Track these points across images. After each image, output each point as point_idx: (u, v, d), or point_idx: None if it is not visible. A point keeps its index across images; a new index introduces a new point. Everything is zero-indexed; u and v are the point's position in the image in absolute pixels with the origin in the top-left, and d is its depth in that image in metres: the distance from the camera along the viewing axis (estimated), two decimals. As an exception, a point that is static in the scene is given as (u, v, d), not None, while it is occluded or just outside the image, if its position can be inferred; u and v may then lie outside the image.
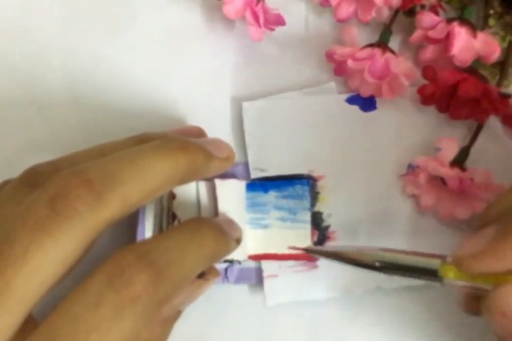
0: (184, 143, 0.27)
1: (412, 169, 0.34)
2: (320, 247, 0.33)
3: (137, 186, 0.25)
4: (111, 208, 0.24)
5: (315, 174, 0.34)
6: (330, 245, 0.33)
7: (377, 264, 0.27)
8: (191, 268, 0.26)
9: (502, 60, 0.34)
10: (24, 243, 0.23)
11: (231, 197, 0.33)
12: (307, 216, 0.34)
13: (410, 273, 0.27)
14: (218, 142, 0.30)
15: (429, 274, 0.26)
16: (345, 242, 0.33)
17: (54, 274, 0.24)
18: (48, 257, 0.24)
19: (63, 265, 0.24)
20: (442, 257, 0.26)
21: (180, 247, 0.26)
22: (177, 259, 0.25)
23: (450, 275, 0.26)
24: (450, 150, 0.33)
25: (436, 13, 0.34)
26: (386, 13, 0.35)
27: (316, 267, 0.33)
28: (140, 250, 0.25)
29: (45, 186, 0.25)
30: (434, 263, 0.26)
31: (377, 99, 0.35)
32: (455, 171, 0.32)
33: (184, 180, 0.28)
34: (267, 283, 0.33)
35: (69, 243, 0.24)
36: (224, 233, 0.28)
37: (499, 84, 0.34)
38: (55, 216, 0.24)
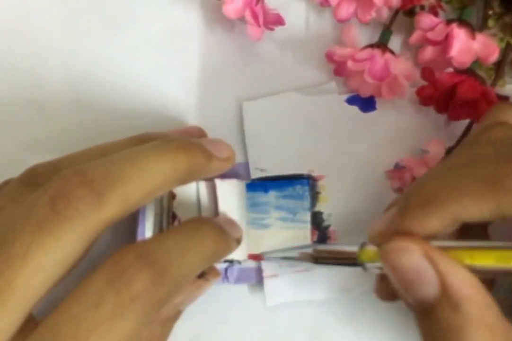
0: (185, 144, 0.27)
1: (398, 168, 0.34)
2: (269, 251, 0.32)
3: (137, 186, 0.25)
4: (112, 208, 0.24)
5: (315, 174, 0.34)
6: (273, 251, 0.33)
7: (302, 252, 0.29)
8: (191, 267, 0.26)
9: (499, 60, 0.34)
10: (24, 243, 0.23)
11: (231, 197, 0.33)
12: (307, 216, 0.34)
13: (340, 261, 0.28)
14: (218, 143, 0.30)
15: (353, 260, 0.28)
16: (345, 242, 0.33)
17: (55, 274, 0.24)
18: (49, 257, 0.24)
19: (63, 264, 0.24)
20: (362, 244, 0.27)
21: (180, 247, 0.26)
22: (177, 258, 0.25)
23: (365, 258, 0.27)
24: (437, 153, 0.33)
25: (436, 14, 0.34)
26: (386, 14, 0.35)
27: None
28: (140, 250, 0.25)
29: (46, 185, 0.25)
30: (355, 249, 0.28)
31: (377, 100, 0.35)
32: None
33: (185, 180, 0.28)
34: (267, 283, 0.33)
35: (69, 243, 0.24)
36: (224, 233, 0.28)
37: (494, 84, 0.34)
38: (56, 216, 0.24)
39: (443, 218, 0.25)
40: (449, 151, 0.33)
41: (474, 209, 0.24)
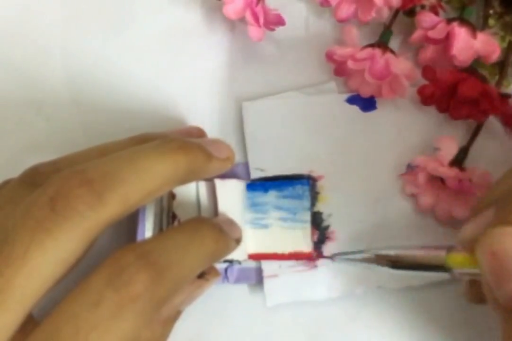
0: (184, 144, 0.27)
1: (411, 169, 0.34)
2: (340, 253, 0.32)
3: (137, 186, 0.25)
4: (111, 208, 0.25)
5: (315, 174, 0.34)
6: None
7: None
8: (191, 267, 0.26)
9: (502, 60, 0.34)
10: (24, 242, 0.23)
11: (231, 197, 0.33)
12: (307, 216, 0.34)
13: (420, 268, 0.28)
14: (218, 143, 0.30)
15: (438, 267, 0.27)
16: (345, 242, 0.33)
17: (54, 274, 0.24)
18: (48, 257, 0.24)
19: (63, 264, 0.24)
20: (449, 248, 0.26)
21: (180, 247, 0.26)
22: (177, 258, 0.25)
23: (456, 264, 0.26)
24: (450, 150, 0.33)
25: (436, 13, 0.34)
26: (386, 13, 0.35)
27: (316, 267, 0.33)
28: (140, 250, 0.25)
29: (45, 185, 0.25)
30: (440, 256, 0.26)
31: (377, 99, 0.35)
32: (454, 171, 0.32)
33: (184, 180, 0.28)
34: (267, 283, 0.33)
35: (69, 242, 0.24)
36: (224, 233, 0.28)
37: (498, 84, 0.34)
38: (55, 216, 0.24)
39: None
40: (461, 151, 0.33)
41: None
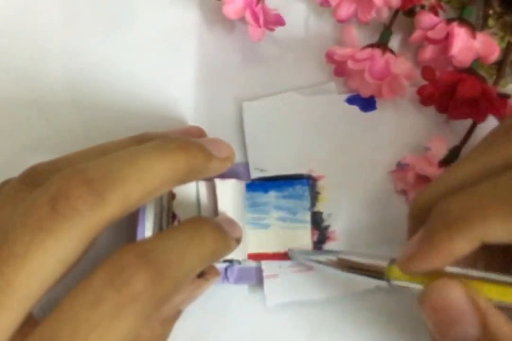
0: (184, 143, 0.27)
1: (401, 167, 0.34)
2: (295, 250, 0.33)
3: (137, 185, 0.25)
4: (111, 207, 0.24)
5: (315, 174, 0.34)
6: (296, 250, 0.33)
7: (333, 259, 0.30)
8: (190, 267, 0.26)
9: (500, 60, 0.34)
10: (24, 242, 0.23)
11: (231, 196, 0.33)
12: (307, 216, 0.34)
13: (364, 273, 0.29)
14: (218, 142, 0.30)
15: (379, 275, 0.28)
16: (345, 242, 0.34)
17: (54, 273, 0.24)
18: (48, 256, 0.24)
19: (63, 264, 0.24)
20: (393, 260, 0.28)
21: (179, 246, 0.26)
22: (177, 258, 0.25)
23: (394, 276, 0.27)
24: (439, 150, 0.33)
25: (436, 13, 0.34)
26: (386, 14, 0.35)
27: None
28: (140, 249, 0.25)
29: (45, 185, 0.25)
30: (383, 265, 0.28)
31: (377, 100, 0.35)
32: (442, 171, 0.32)
33: (184, 180, 0.28)
34: (267, 283, 0.33)
35: (69, 242, 0.24)
36: (224, 232, 0.28)
37: (496, 84, 0.34)
38: (55, 216, 0.24)
39: (469, 240, 0.24)
40: (453, 150, 0.33)
41: (501, 230, 0.24)
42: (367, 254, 0.30)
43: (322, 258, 0.31)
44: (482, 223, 0.24)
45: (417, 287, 0.27)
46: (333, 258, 0.30)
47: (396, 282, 0.27)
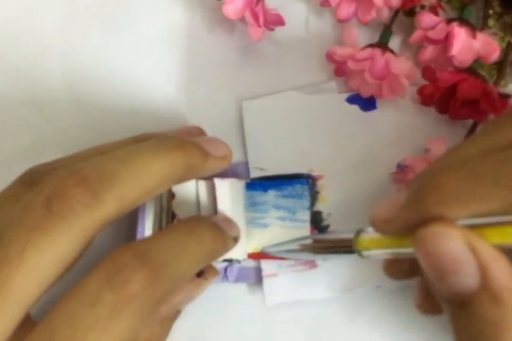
0: (181, 142, 0.27)
1: (401, 169, 0.34)
2: (269, 246, 0.32)
3: (133, 185, 0.25)
4: (108, 207, 0.25)
5: (314, 173, 0.34)
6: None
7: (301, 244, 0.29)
8: (188, 266, 0.26)
9: (500, 60, 0.34)
10: (20, 242, 0.23)
11: (231, 196, 0.33)
12: (307, 215, 0.34)
13: (336, 250, 0.28)
14: (214, 141, 0.30)
15: (348, 248, 0.27)
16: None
17: (51, 274, 0.24)
18: (45, 257, 0.24)
19: (60, 264, 0.24)
20: (359, 231, 0.27)
21: (177, 246, 0.26)
22: (175, 257, 0.25)
23: (362, 246, 0.27)
24: (439, 151, 0.33)
25: (436, 13, 0.34)
26: (386, 13, 0.35)
27: (315, 266, 0.33)
28: (137, 249, 0.25)
29: (41, 185, 0.25)
30: (350, 237, 0.27)
31: (377, 99, 0.35)
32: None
33: (181, 179, 0.28)
34: (266, 282, 0.33)
35: (65, 242, 0.24)
36: (221, 231, 0.28)
37: (496, 84, 0.34)
38: (52, 216, 0.24)
39: (461, 216, 0.23)
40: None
41: (496, 208, 0.23)
42: (339, 230, 0.30)
43: (295, 245, 0.30)
44: (479, 201, 0.23)
45: (387, 251, 0.26)
46: (307, 241, 0.29)
47: (365, 252, 0.27)
